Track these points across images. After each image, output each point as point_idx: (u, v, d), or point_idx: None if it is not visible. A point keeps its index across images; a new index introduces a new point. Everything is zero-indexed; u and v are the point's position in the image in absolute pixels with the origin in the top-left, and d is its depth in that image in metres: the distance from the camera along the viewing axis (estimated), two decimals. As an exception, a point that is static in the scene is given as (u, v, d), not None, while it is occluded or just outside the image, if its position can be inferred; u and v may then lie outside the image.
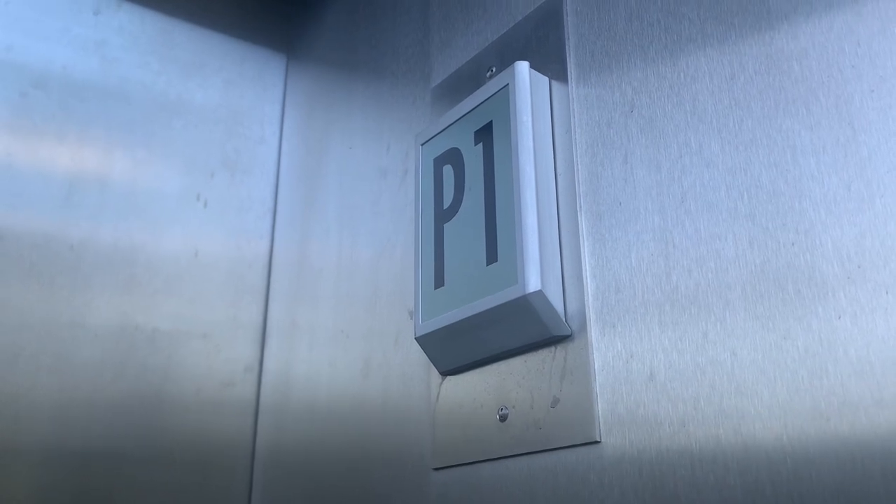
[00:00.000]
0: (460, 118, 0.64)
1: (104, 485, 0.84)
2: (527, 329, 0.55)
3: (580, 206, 0.56)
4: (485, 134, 0.61)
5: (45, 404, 0.83)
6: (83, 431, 0.85)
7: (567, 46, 0.61)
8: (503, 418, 0.58)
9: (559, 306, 0.54)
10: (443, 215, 0.64)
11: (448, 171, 0.64)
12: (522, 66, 0.59)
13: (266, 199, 1.05)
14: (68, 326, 0.87)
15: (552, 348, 0.55)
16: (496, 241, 0.57)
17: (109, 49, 0.98)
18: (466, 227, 0.61)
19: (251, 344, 0.98)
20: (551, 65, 0.61)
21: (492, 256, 0.57)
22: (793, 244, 0.43)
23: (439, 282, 0.62)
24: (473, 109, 0.63)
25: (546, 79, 0.61)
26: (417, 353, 0.69)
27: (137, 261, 0.93)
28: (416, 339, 0.64)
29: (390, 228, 0.78)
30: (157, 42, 1.02)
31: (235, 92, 1.06)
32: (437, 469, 0.63)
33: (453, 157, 0.64)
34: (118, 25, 0.99)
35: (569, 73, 0.60)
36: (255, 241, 1.02)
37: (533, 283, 0.54)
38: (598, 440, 0.50)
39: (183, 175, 0.99)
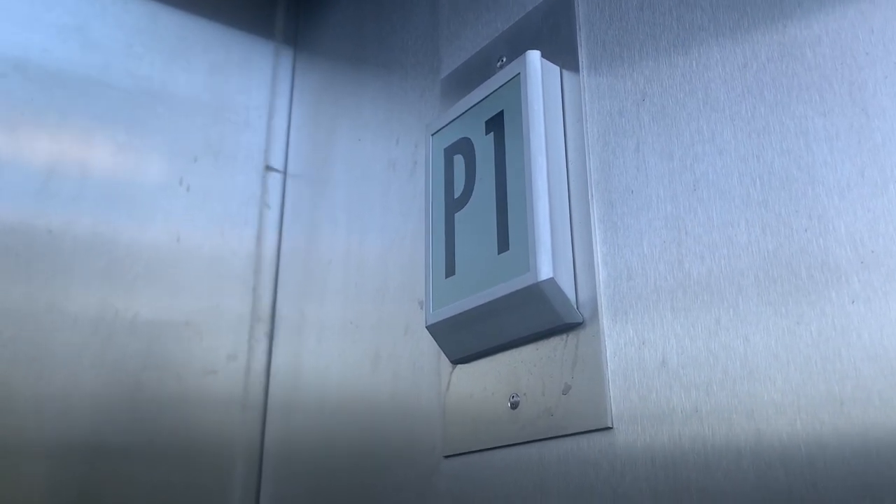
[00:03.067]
0: (471, 108, 0.65)
1: (83, 476, 0.83)
2: (538, 317, 0.55)
3: (592, 195, 0.56)
4: (496, 123, 0.61)
5: (22, 392, 0.81)
6: (61, 420, 0.83)
7: (578, 36, 0.61)
8: (514, 406, 0.58)
9: (571, 294, 0.55)
10: (454, 204, 0.64)
11: (459, 160, 0.65)
12: (534, 56, 0.60)
13: (251, 184, 1.03)
14: (46, 312, 0.85)
15: (564, 336, 0.55)
16: (507, 229, 0.58)
17: (91, 32, 0.95)
18: (478, 216, 0.61)
19: (235, 332, 0.96)
20: (562, 54, 0.61)
21: (503, 245, 0.58)
22: (806, 230, 0.43)
23: (450, 270, 0.63)
24: (484, 99, 0.63)
25: (557, 68, 0.61)
26: (427, 343, 0.70)
27: (118, 246, 0.91)
28: (426, 327, 0.64)
29: (400, 220, 0.78)
30: (141, 26, 0.99)
31: (220, 76, 1.04)
32: (447, 457, 0.64)
33: (464, 147, 0.64)
34: (101, 7, 0.97)
35: (580, 63, 0.60)
36: (239, 227, 1.00)
37: (545, 271, 0.54)
38: (610, 426, 0.51)
39: (165, 160, 0.97)
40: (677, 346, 0.48)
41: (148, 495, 0.86)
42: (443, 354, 0.66)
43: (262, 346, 0.98)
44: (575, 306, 0.55)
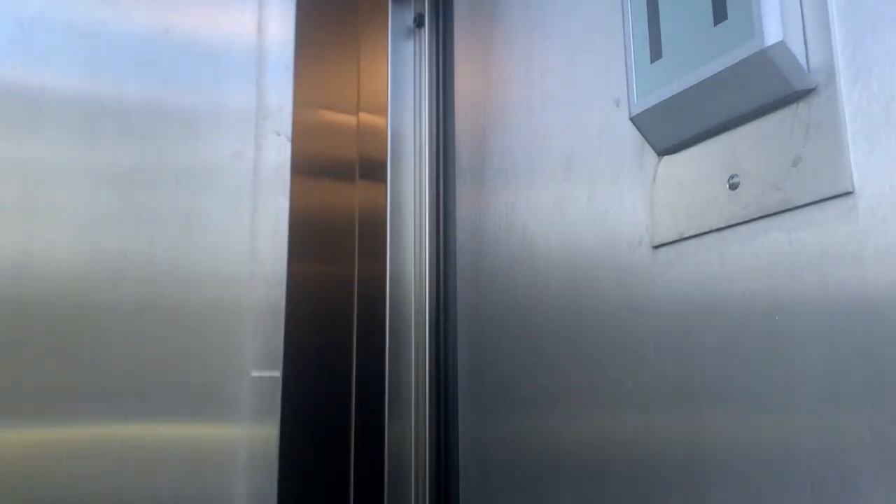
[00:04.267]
0: None
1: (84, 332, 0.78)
2: (764, 88, 0.52)
3: (824, -54, 0.51)
4: None
5: (14, 208, 0.77)
6: (47, 227, 0.78)
7: None
8: (734, 186, 0.56)
9: (802, 58, 0.51)
10: (656, -16, 0.60)
11: (660, -66, 0.60)
12: None
13: None
14: (24, 110, 0.78)
15: (793, 106, 0.52)
16: (725, -3, 0.54)
17: None
18: (687, -10, 0.57)
19: (238, 127, 0.89)
20: None
21: (720, 14, 0.54)
22: None
23: (656, 54, 0.60)
24: None
25: None
26: (627, 140, 0.68)
27: (98, 38, 0.83)
28: (630, 119, 0.63)
29: (585, 19, 0.75)
30: None
31: None
32: (657, 247, 0.64)
33: (666, -82, 0.60)
34: None
35: None
36: (236, 15, 0.90)
37: (774, 34, 0.50)
38: (851, 191, 0.48)
39: None
40: (936, 95, 0.44)
41: (141, 320, 0.81)
42: (646, 149, 0.65)
43: (271, 143, 0.91)
44: (807, 71, 0.51)
